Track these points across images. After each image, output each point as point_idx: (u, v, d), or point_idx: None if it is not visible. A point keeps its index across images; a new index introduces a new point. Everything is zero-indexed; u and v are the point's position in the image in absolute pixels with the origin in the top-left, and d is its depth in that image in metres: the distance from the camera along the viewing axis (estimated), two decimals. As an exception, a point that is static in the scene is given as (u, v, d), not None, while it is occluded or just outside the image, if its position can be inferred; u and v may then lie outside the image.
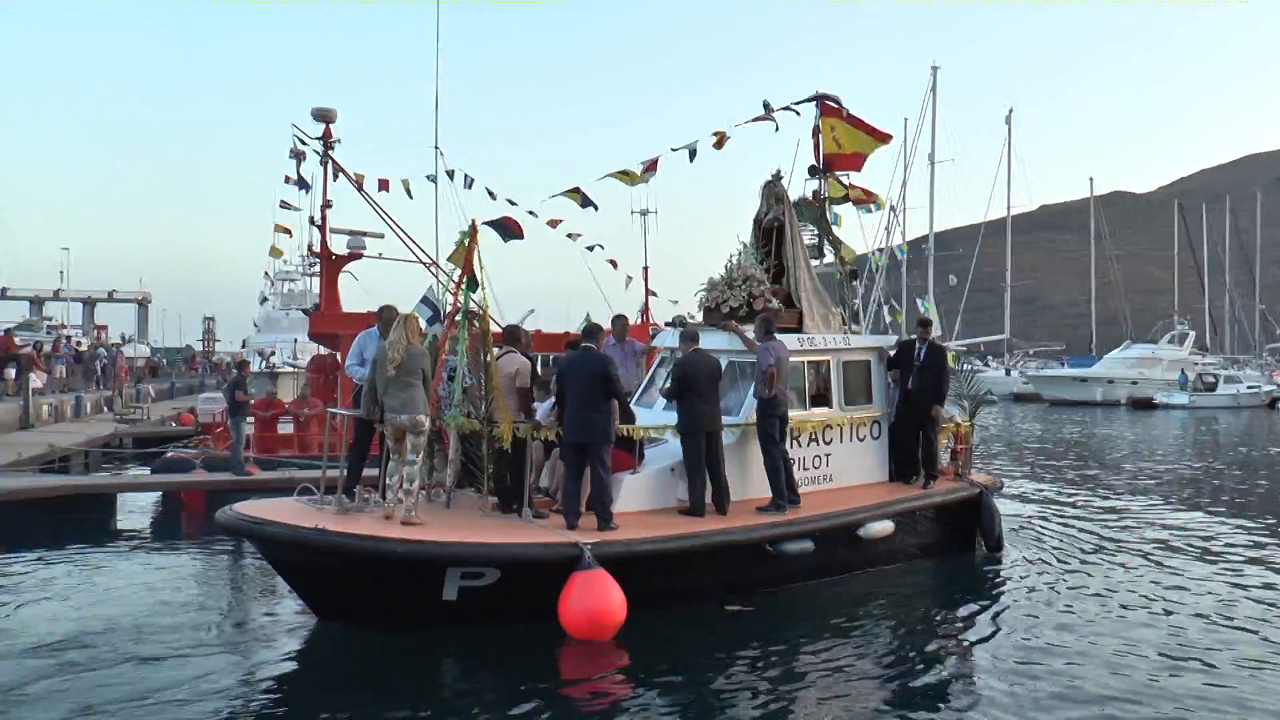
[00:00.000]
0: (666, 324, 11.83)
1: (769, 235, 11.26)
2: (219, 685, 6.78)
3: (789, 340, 10.15)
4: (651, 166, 10.76)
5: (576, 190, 10.42)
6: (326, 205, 19.00)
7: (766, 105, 11.52)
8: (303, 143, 18.92)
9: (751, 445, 9.83)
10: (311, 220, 19.60)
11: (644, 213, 28.50)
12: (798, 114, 11.45)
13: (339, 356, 18.69)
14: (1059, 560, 11.01)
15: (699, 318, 11.08)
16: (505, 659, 7.41)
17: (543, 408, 9.24)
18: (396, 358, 8.11)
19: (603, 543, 7.91)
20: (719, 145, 11.37)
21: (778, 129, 11.59)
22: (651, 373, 11.52)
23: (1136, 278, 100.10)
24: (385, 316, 9.19)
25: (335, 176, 19.01)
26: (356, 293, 21.26)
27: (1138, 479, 19.69)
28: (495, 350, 8.79)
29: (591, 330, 9.07)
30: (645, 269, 28.69)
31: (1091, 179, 72.28)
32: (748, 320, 10.58)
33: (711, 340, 10.01)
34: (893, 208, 44.57)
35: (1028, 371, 64.14)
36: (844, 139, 11.30)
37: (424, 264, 19.96)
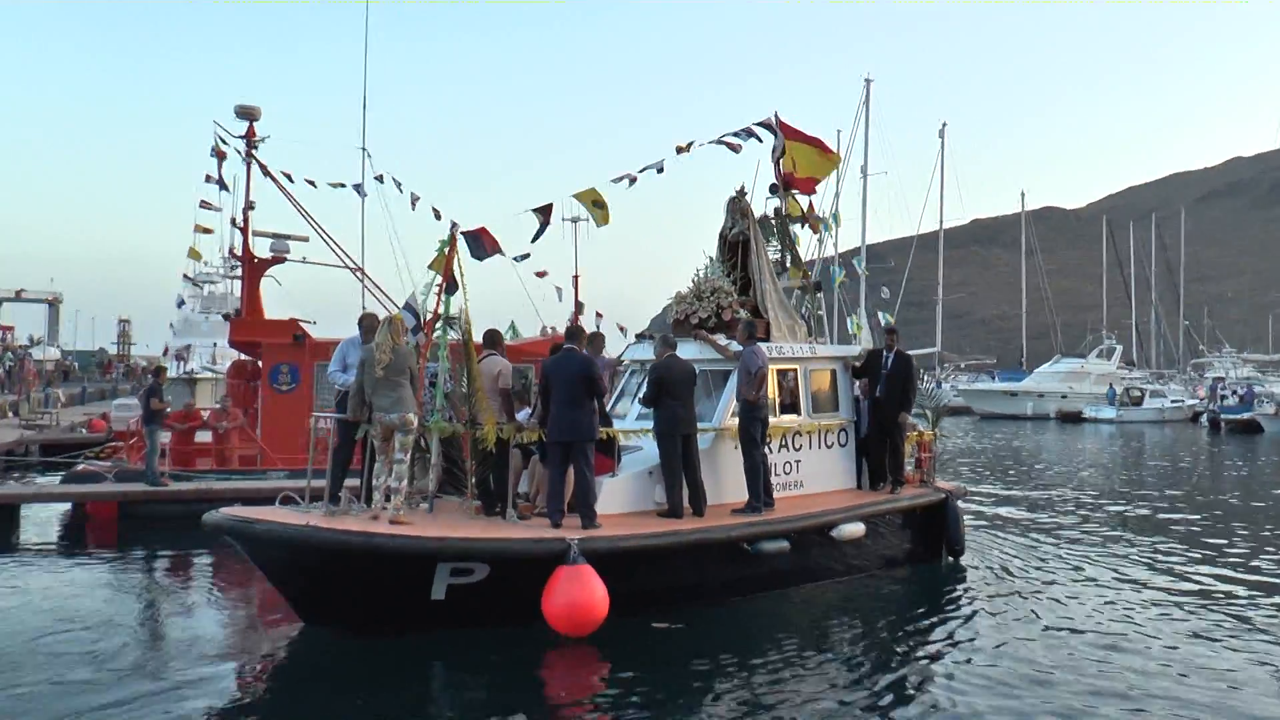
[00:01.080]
0: (638, 335, 12.60)
1: (734, 249, 12.06)
2: (113, 709, 6.63)
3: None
4: (627, 177, 11.38)
5: (547, 209, 10.90)
6: (249, 206, 19.17)
7: (727, 143, 12.22)
8: (225, 141, 19.13)
9: (724, 451, 10.55)
10: (233, 222, 19.72)
11: (574, 220, 28.70)
12: (759, 140, 12.31)
13: (260, 363, 18.89)
14: (1018, 568, 11.91)
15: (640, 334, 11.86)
16: (475, 671, 7.78)
17: (519, 417, 9.81)
18: (384, 358, 8.63)
19: (588, 539, 8.51)
20: (684, 150, 12.05)
21: (739, 151, 12.38)
22: (622, 385, 12.19)
23: (1067, 292, 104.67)
24: (366, 324, 9.64)
25: (261, 176, 19.26)
26: (279, 298, 21.42)
27: (1074, 489, 21.05)
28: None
29: (574, 332, 9.69)
30: (575, 278, 28.99)
31: (1023, 194, 75.70)
32: (717, 331, 11.33)
33: (682, 351, 10.61)
34: (822, 220, 45.99)
35: (959, 385, 66.73)
36: (801, 162, 12.29)
37: (350, 269, 20.32)
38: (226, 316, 21.88)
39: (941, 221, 63.25)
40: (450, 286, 9.25)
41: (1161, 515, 17.18)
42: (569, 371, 9.11)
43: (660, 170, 11.43)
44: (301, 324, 18.61)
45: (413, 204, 19.33)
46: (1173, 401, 57.49)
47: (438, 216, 18.83)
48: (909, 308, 59.80)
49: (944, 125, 63.61)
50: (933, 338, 66.86)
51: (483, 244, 9.69)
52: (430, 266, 9.39)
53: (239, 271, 20.00)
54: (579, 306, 28.78)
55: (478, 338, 9.59)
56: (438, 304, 9.40)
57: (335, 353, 9.97)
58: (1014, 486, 21.77)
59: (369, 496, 9.07)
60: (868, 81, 54.36)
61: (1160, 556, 12.98)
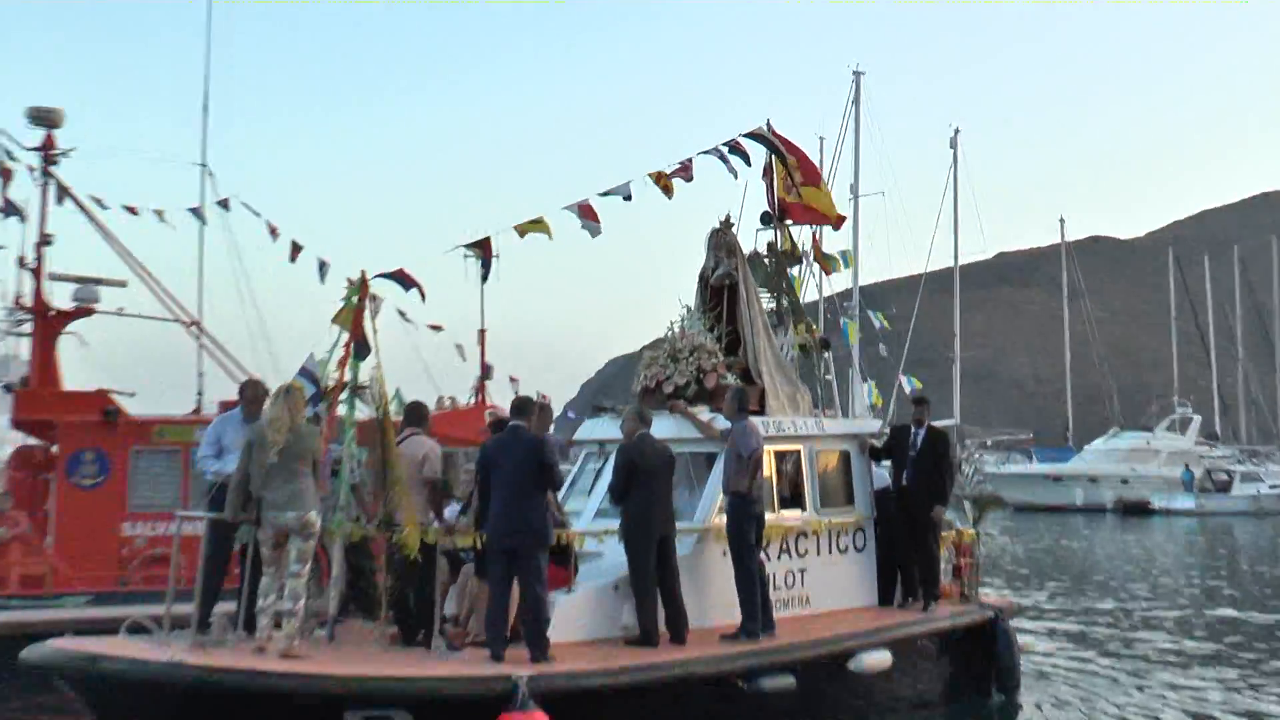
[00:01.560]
0: (598, 408, 12.96)
1: (719, 296, 12.61)
2: None
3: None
4: (589, 214, 11.82)
5: (484, 244, 11.27)
6: (44, 241, 19.24)
7: (681, 168, 12.62)
8: (12, 155, 19.22)
9: (710, 558, 11.02)
10: (21, 261, 19.74)
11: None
12: (747, 163, 12.93)
13: (54, 450, 18.87)
14: (1089, 709, 12.44)
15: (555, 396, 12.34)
16: None
17: (447, 514, 10.25)
18: (278, 439, 8.92)
19: (540, 676, 8.80)
20: (668, 190, 12.47)
21: (690, 179, 12.94)
22: (574, 473, 12.58)
23: (1123, 345, 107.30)
24: (250, 395, 9.97)
25: (60, 200, 19.40)
26: (84, 362, 21.39)
27: (1150, 603, 21.98)
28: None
29: (522, 405, 10.11)
30: (482, 333, 29.19)
31: (1063, 220, 76.90)
32: (697, 401, 11.79)
33: (654, 428, 10.92)
34: (805, 255, 46.43)
35: (985, 468, 67.91)
36: (807, 190, 13.00)
37: (183, 322, 20.45)
38: (8, 387, 21.76)
39: (956, 255, 64.47)
40: (360, 348, 9.66)
41: (1274, 638, 17.98)
42: (516, 456, 9.50)
43: (627, 198, 11.93)
44: (114, 396, 18.66)
45: (272, 235, 19.66)
46: (1271, 486, 59.15)
47: (294, 255, 19.15)
48: (916, 367, 60.77)
49: (956, 132, 64.43)
50: (949, 406, 68.02)
51: (409, 283, 10.18)
52: (335, 321, 9.79)
53: (27, 327, 19.97)
54: (486, 370, 29.04)
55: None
56: (343, 369, 9.81)
57: (207, 432, 10.24)
58: (1072, 600, 22.57)
59: (251, 622, 9.28)
60: (857, 75, 55.13)
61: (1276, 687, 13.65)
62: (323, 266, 18.05)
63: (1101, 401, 72.32)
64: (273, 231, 19.72)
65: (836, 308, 42.60)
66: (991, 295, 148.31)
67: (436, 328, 23.82)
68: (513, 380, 28.74)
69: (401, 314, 20.44)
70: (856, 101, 54.85)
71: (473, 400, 25.82)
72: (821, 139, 55.55)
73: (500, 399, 25.78)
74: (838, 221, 14.12)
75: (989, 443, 74.71)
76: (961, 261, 65.18)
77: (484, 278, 11.23)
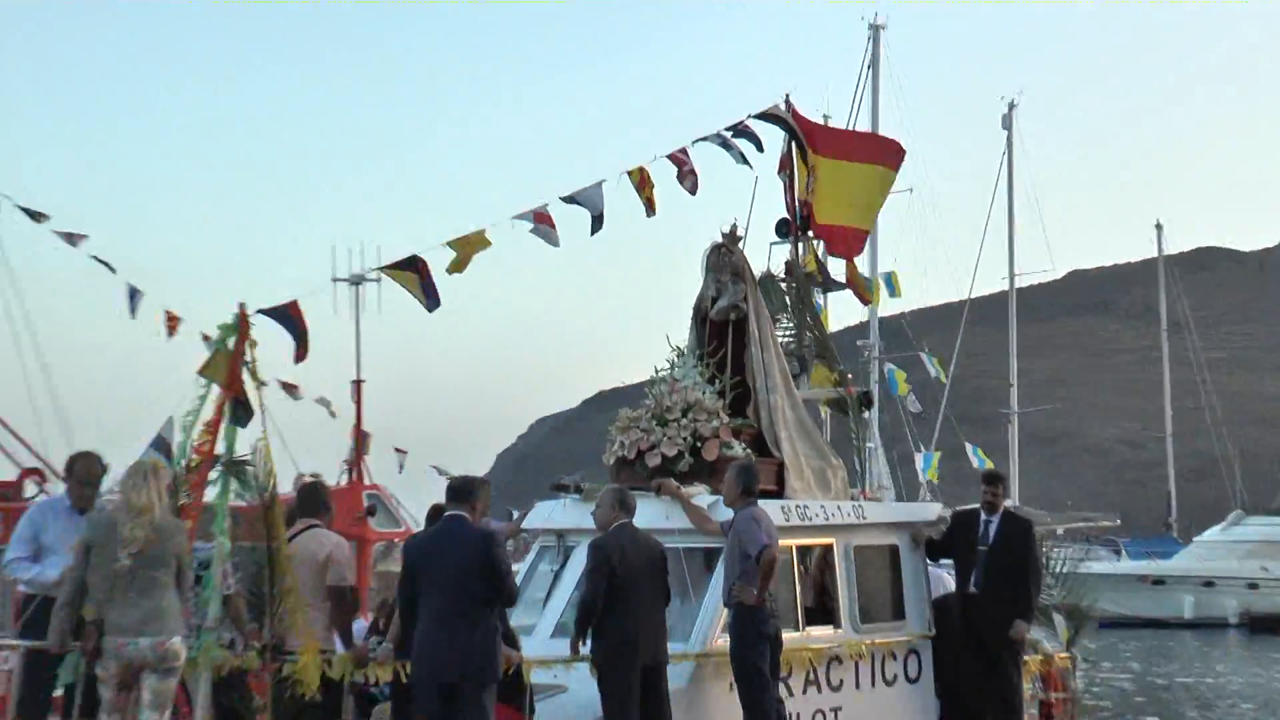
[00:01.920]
0: (556, 487, 13.01)
1: (721, 334, 12.84)
2: None
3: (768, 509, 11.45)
4: (545, 219, 12.03)
5: (416, 267, 11.32)
6: None
7: (676, 160, 12.93)
8: None
9: (709, 692, 11.21)
10: None
11: (356, 281, 28.19)
12: (758, 147, 13.32)
13: None
14: None
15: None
16: None
17: (354, 633, 10.42)
18: (136, 536, 8.90)
19: None
20: (650, 204, 12.71)
21: (694, 191, 13.21)
22: (523, 576, 12.65)
23: (1246, 397, 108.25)
24: (79, 473, 10.07)
25: None
26: None
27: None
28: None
29: (463, 488, 10.22)
30: (358, 384, 29.06)
31: (1159, 225, 77.15)
32: (692, 479, 11.98)
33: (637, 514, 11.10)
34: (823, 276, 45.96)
35: (1058, 566, 68.14)
36: (836, 194, 13.38)
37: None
38: None
39: (1012, 275, 64.85)
40: (239, 409, 9.83)
41: None
42: (458, 557, 9.63)
43: (598, 221, 12.14)
44: None
45: (70, 243, 19.64)
46: None
47: (111, 271, 19.20)
48: (962, 426, 61.32)
49: (1012, 106, 64.50)
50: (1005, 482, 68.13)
51: (300, 329, 10.23)
52: (202, 372, 9.89)
53: None
54: (362, 438, 28.97)
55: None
56: (213, 438, 9.93)
57: (19, 526, 10.21)
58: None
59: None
60: (874, 29, 55.21)
61: None
62: (134, 295, 17.70)
63: (1217, 475, 72.79)
64: (70, 240, 19.53)
65: (852, 347, 42.77)
66: (1062, 329, 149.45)
67: (291, 387, 23.69)
68: (399, 451, 28.79)
69: (248, 366, 20.50)
70: (874, 65, 54.57)
71: (345, 478, 25.75)
72: (826, 117, 55.54)
73: (382, 476, 25.84)
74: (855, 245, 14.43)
75: (1060, 531, 75.04)
76: (1020, 283, 65.60)
77: (429, 307, 11.20)
